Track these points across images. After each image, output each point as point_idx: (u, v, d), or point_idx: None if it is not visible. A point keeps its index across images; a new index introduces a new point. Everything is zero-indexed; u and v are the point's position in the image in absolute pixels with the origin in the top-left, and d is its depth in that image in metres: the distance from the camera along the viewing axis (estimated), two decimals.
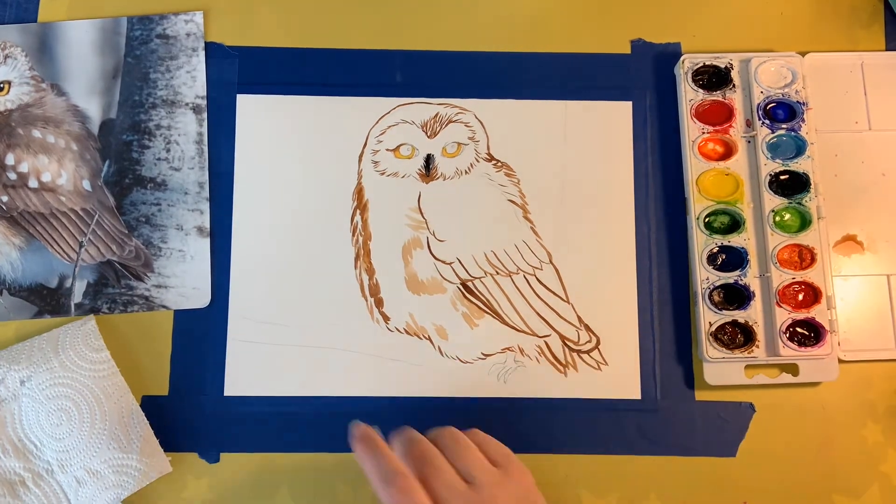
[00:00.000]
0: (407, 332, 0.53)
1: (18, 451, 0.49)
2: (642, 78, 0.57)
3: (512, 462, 0.43)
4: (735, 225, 0.54)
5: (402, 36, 0.57)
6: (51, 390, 0.49)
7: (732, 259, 0.53)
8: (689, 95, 0.55)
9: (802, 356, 0.52)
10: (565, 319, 0.53)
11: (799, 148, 0.54)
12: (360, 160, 0.55)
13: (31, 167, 0.54)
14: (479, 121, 0.55)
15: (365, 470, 0.41)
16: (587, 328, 0.53)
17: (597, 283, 0.54)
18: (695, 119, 0.55)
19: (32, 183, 0.54)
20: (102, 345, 0.51)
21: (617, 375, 0.53)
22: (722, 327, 0.52)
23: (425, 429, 0.52)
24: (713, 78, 0.56)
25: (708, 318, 0.52)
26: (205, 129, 0.55)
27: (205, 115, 0.55)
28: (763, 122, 0.54)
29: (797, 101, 0.54)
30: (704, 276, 0.53)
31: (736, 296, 0.53)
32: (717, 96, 0.55)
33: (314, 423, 0.52)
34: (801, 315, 0.52)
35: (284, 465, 0.51)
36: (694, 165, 0.54)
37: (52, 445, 0.49)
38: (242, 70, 0.56)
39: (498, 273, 0.54)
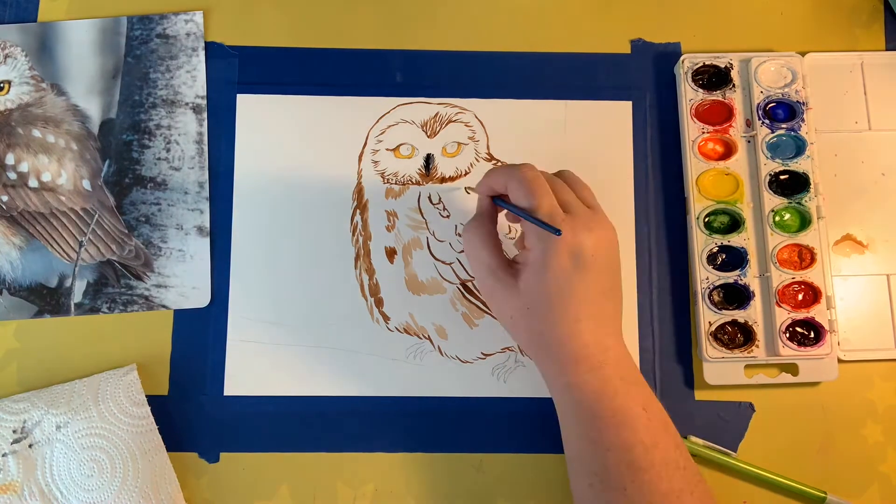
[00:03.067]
0: (407, 332, 0.53)
1: (45, 497, 0.48)
2: (642, 78, 0.57)
3: (600, 209, 0.48)
4: (735, 225, 0.54)
5: (402, 36, 0.57)
6: (86, 440, 0.48)
7: (732, 259, 0.53)
8: (689, 95, 0.55)
9: (802, 356, 0.52)
10: None
11: (799, 148, 0.54)
12: (360, 160, 0.55)
13: (31, 167, 0.54)
14: (479, 120, 0.56)
15: (491, 181, 0.47)
16: None
17: None
18: (695, 119, 0.55)
19: (32, 182, 0.54)
20: (144, 399, 0.50)
21: None
22: (722, 327, 0.52)
23: (425, 428, 0.52)
24: (713, 78, 0.56)
25: (708, 317, 0.52)
26: (205, 129, 0.55)
27: (205, 115, 0.55)
28: (763, 122, 0.54)
29: (797, 101, 0.54)
30: (704, 276, 0.53)
31: (736, 295, 0.53)
32: (717, 96, 0.55)
33: (314, 423, 0.52)
34: (800, 315, 0.52)
35: (284, 465, 0.51)
36: (694, 165, 0.54)
37: (80, 496, 0.48)
38: (242, 70, 0.56)
39: None
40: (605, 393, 0.44)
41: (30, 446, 0.48)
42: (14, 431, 0.48)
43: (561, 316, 0.44)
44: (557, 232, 0.43)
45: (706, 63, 0.55)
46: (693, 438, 0.51)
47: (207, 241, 0.54)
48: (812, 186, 0.53)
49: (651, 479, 0.42)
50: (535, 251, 0.44)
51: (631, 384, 0.45)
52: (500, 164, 0.55)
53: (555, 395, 0.46)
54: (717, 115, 0.55)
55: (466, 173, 0.55)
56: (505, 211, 0.49)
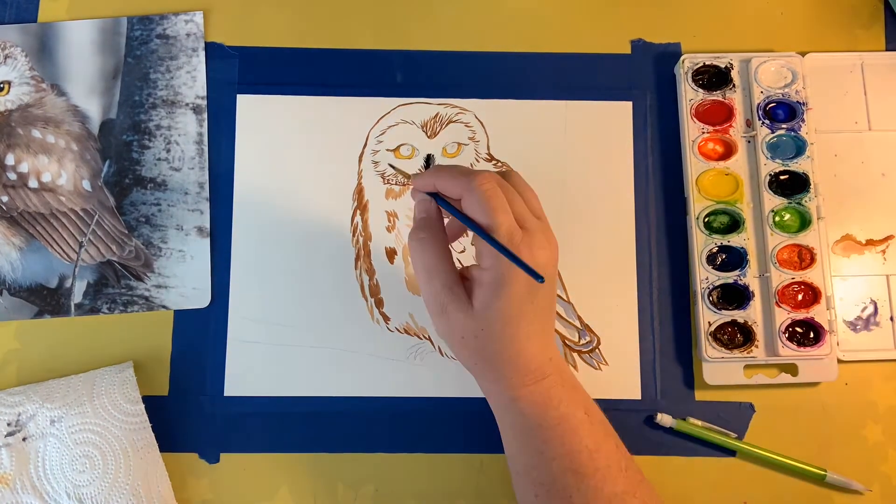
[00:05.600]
0: (407, 333, 0.53)
1: (36, 490, 0.48)
2: (642, 78, 0.57)
3: (545, 217, 0.45)
4: (735, 225, 0.54)
5: (402, 36, 0.57)
6: (80, 435, 0.48)
7: (732, 259, 0.53)
8: (689, 95, 0.55)
9: (801, 356, 0.52)
10: (565, 319, 0.53)
11: (799, 148, 0.54)
12: (360, 160, 0.55)
13: (31, 167, 0.54)
14: (479, 121, 0.55)
15: (441, 182, 0.43)
16: (587, 328, 0.53)
17: (597, 283, 0.54)
18: (695, 119, 0.55)
19: (32, 183, 0.54)
20: (138, 396, 0.50)
21: (617, 375, 0.53)
22: (721, 327, 0.52)
23: (425, 428, 0.52)
24: (713, 78, 0.56)
25: (707, 317, 0.52)
26: (205, 129, 0.55)
27: (205, 115, 0.55)
28: (763, 122, 0.54)
29: (797, 101, 0.54)
30: (704, 276, 0.53)
31: (735, 296, 0.53)
32: (717, 96, 0.55)
33: (314, 423, 0.52)
34: (800, 315, 0.52)
35: (284, 465, 0.51)
36: (694, 165, 0.54)
37: (70, 492, 0.48)
38: (242, 70, 0.56)
39: None
40: (551, 402, 0.44)
41: (23, 440, 0.48)
42: (8, 424, 0.48)
43: (513, 335, 0.43)
44: (540, 279, 0.41)
45: (706, 63, 0.55)
46: (692, 420, 0.51)
47: (207, 241, 0.54)
48: (812, 187, 0.53)
49: (596, 485, 0.43)
50: (491, 272, 0.42)
51: (572, 389, 0.45)
52: (499, 164, 0.55)
53: (498, 411, 0.46)
54: (717, 116, 0.55)
55: None
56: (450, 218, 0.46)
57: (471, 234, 0.46)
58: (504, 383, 0.44)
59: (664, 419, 0.51)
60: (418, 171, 0.45)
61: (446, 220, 0.46)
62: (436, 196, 0.44)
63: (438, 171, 0.44)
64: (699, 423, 0.52)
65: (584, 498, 0.42)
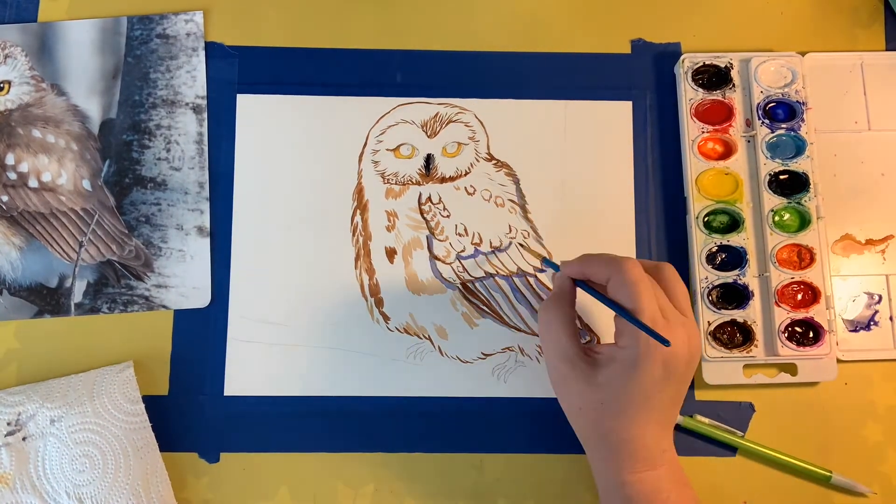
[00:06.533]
0: (407, 332, 0.53)
1: (36, 490, 0.48)
2: (642, 78, 0.57)
3: (692, 316, 0.47)
4: (734, 224, 0.54)
5: (402, 36, 0.57)
6: (80, 435, 0.48)
7: (732, 258, 0.53)
8: (689, 95, 0.55)
9: (801, 356, 0.52)
10: None
11: (798, 148, 0.54)
12: (360, 160, 0.55)
13: (31, 167, 0.54)
14: (479, 121, 0.56)
15: (590, 270, 0.46)
16: (587, 328, 0.53)
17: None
18: (694, 118, 0.55)
19: (32, 183, 0.54)
20: (138, 396, 0.50)
21: None
22: (721, 327, 0.52)
23: (425, 428, 0.52)
24: (713, 77, 0.56)
25: (707, 317, 0.52)
26: (205, 129, 0.55)
27: (205, 115, 0.55)
28: (763, 122, 0.54)
29: (797, 101, 0.54)
30: (703, 276, 0.53)
31: (735, 295, 0.53)
32: (716, 96, 0.55)
33: (314, 423, 0.52)
34: (799, 315, 0.52)
35: (284, 465, 0.51)
36: (693, 165, 0.54)
37: (70, 491, 0.48)
38: (242, 70, 0.56)
39: (498, 273, 0.54)
40: (660, 495, 0.44)
41: (23, 439, 0.48)
42: (8, 424, 0.48)
43: (634, 417, 0.44)
44: (667, 343, 0.42)
45: (706, 63, 0.55)
46: (699, 417, 0.52)
47: (207, 241, 0.54)
48: (811, 186, 0.53)
49: None
50: (628, 350, 0.44)
51: (683, 486, 0.45)
52: (500, 163, 0.55)
53: (605, 491, 0.46)
54: (717, 115, 0.55)
55: (466, 173, 0.55)
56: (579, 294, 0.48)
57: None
58: (615, 464, 0.45)
59: None
60: (569, 261, 0.48)
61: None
62: (577, 281, 0.47)
63: (589, 259, 0.47)
64: (706, 420, 0.52)
65: None
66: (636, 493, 0.44)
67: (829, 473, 0.51)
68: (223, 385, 0.52)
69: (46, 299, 0.53)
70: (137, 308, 0.53)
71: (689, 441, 0.52)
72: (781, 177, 0.54)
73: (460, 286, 0.54)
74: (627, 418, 0.44)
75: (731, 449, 0.52)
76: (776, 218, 0.53)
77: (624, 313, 0.44)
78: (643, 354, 0.43)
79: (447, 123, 0.55)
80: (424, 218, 0.54)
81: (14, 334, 0.53)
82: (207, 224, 0.54)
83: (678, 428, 0.52)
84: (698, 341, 0.46)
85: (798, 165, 0.54)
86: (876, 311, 0.53)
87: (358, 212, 0.54)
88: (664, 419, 0.45)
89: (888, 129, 0.56)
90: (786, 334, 0.52)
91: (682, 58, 0.55)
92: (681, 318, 0.45)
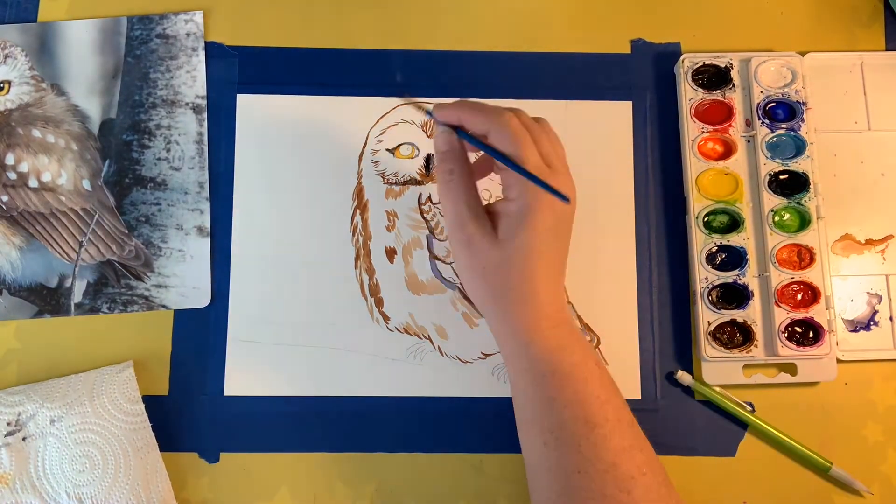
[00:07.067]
0: (407, 332, 0.53)
1: (36, 490, 0.48)
2: (642, 78, 0.57)
3: (569, 172, 0.46)
4: (734, 224, 0.54)
5: (402, 36, 0.57)
6: (80, 435, 0.48)
7: (731, 258, 0.53)
8: (689, 95, 0.55)
9: (801, 356, 0.52)
10: None
11: (798, 148, 0.54)
12: (360, 160, 0.55)
13: (31, 167, 0.54)
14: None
15: (466, 116, 0.45)
16: (587, 328, 0.53)
17: (597, 283, 0.54)
18: (694, 118, 0.55)
19: (32, 183, 0.54)
20: (139, 396, 0.50)
21: (617, 374, 0.52)
22: (721, 327, 0.52)
23: (425, 428, 0.52)
24: (713, 77, 0.56)
25: (706, 317, 0.52)
26: (205, 129, 0.55)
27: (205, 115, 0.55)
28: (763, 122, 0.54)
29: (797, 101, 0.54)
30: (703, 276, 0.53)
31: (735, 295, 0.53)
32: (716, 96, 0.55)
33: (314, 423, 0.52)
34: (799, 315, 0.52)
35: (284, 465, 0.51)
36: (693, 165, 0.54)
37: (70, 491, 0.48)
38: (242, 70, 0.56)
39: None
40: (565, 350, 0.44)
41: (23, 439, 0.48)
42: (8, 424, 0.48)
43: (534, 271, 0.44)
44: (566, 199, 0.42)
45: (706, 63, 0.55)
46: (715, 387, 0.52)
47: (207, 241, 0.54)
48: (811, 186, 0.53)
49: (605, 434, 0.43)
50: (518, 202, 0.44)
51: (583, 342, 0.46)
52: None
53: (510, 356, 0.46)
54: (717, 115, 0.55)
55: None
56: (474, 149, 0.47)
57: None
58: (519, 324, 0.44)
59: (684, 377, 0.52)
60: (440, 104, 0.46)
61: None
62: (458, 130, 0.45)
63: (462, 105, 0.45)
64: (717, 388, 0.52)
65: (592, 447, 0.42)
66: (542, 350, 0.44)
67: (829, 464, 0.51)
68: (223, 385, 0.52)
69: (46, 299, 0.53)
70: (137, 308, 0.53)
71: (689, 441, 0.52)
72: (781, 177, 0.54)
73: (460, 286, 0.54)
74: (528, 272, 0.44)
75: (730, 449, 0.52)
76: (776, 218, 0.53)
77: (511, 164, 0.43)
78: (532, 204, 0.43)
79: None
80: (424, 218, 0.54)
81: (14, 334, 0.53)
82: (207, 224, 0.54)
83: (689, 392, 0.52)
84: (574, 189, 0.46)
85: (798, 165, 0.54)
86: (876, 311, 0.53)
87: (358, 211, 0.54)
88: (558, 274, 0.45)
89: (888, 129, 0.56)
90: (786, 334, 0.52)
91: (681, 58, 0.55)
92: (563, 167, 0.45)
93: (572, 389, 0.43)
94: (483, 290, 0.45)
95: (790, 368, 0.53)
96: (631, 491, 0.42)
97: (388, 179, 0.55)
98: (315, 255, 0.54)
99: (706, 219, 0.54)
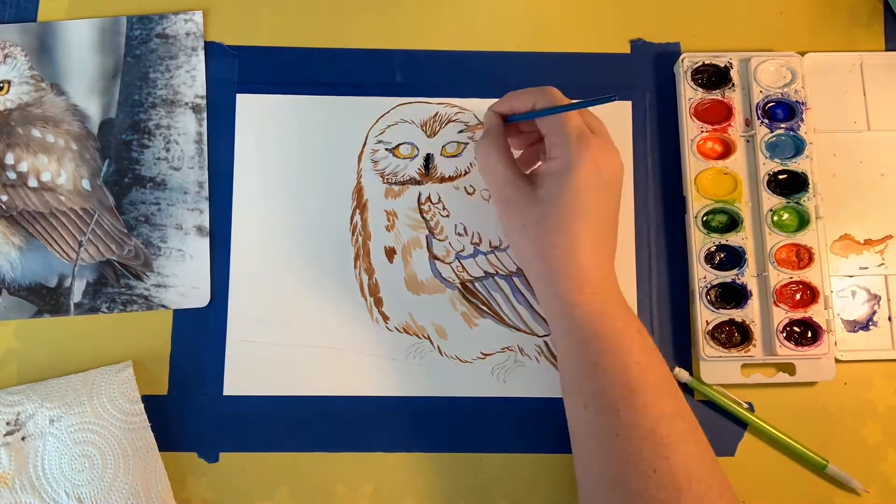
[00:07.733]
0: (406, 332, 0.53)
1: (35, 490, 0.48)
2: (642, 77, 0.57)
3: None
4: (733, 224, 0.54)
5: (402, 36, 0.57)
6: (79, 435, 0.48)
7: (730, 258, 0.53)
8: (689, 94, 0.55)
9: (799, 356, 0.52)
10: None
11: (797, 147, 0.54)
12: (359, 160, 0.55)
13: (30, 167, 0.54)
14: (479, 120, 0.56)
15: (515, 102, 0.48)
16: None
17: None
18: (694, 118, 0.55)
19: (32, 182, 0.54)
20: (138, 396, 0.50)
21: None
22: (719, 326, 0.52)
23: (425, 428, 0.52)
24: (712, 77, 0.56)
25: (705, 316, 0.52)
26: (204, 129, 0.55)
27: (204, 115, 0.55)
28: (762, 122, 0.54)
29: (796, 101, 0.54)
30: (702, 275, 0.53)
31: (733, 295, 0.53)
32: (716, 95, 0.55)
33: (314, 423, 0.52)
34: (798, 314, 0.52)
35: (284, 465, 0.52)
36: (693, 164, 0.54)
37: (69, 491, 0.48)
38: (242, 70, 0.56)
39: (497, 273, 0.54)
40: (606, 314, 0.45)
41: (22, 439, 0.48)
42: (7, 424, 0.48)
43: (576, 229, 0.45)
44: (613, 97, 0.44)
45: (706, 62, 0.56)
46: (712, 385, 0.52)
47: (207, 240, 0.54)
48: (811, 186, 0.53)
49: (645, 401, 0.43)
50: (560, 159, 0.45)
51: (627, 309, 0.46)
52: None
53: (554, 319, 0.47)
54: (717, 115, 0.55)
55: (466, 173, 0.55)
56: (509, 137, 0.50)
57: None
58: (562, 286, 0.45)
59: (681, 374, 0.52)
60: (495, 102, 0.50)
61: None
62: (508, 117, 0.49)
63: (512, 94, 0.49)
64: (716, 387, 0.52)
65: (631, 413, 0.43)
66: (584, 314, 0.45)
67: (825, 462, 0.51)
68: (223, 385, 0.52)
69: (46, 299, 0.53)
70: (137, 308, 0.53)
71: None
72: (780, 176, 0.54)
73: (460, 286, 0.54)
74: (569, 229, 0.45)
75: (730, 449, 0.52)
76: (775, 218, 0.53)
77: (554, 109, 0.46)
78: (574, 158, 0.45)
79: (447, 123, 0.55)
80: (424, 217, 0.54)
81: (14, 334, 0.53)
82: (207, 224, 0.54)
83: (688, 391, 0.52)
84: (621, 162, 0.47)
85: (797, 165, 0.54)
86: (875, 311, 0.54)
87: (357, 211, 0.54)
88: (604, 240, 0.46)
89: (887, 129, 0.56)
90: (784, 334, 0.52)
91: (681, 57, 0.55)
92: (608, 135, 0.48)
93: (613, 355, 0.44)
94: (525, 248, 0.47)
95: (788, 368, 0.53)
96: (669, 457, 0.42)
97: (387, 179, 0.55)
98: (314, 255, 0.54)
99: (705, 218, 0.54)
